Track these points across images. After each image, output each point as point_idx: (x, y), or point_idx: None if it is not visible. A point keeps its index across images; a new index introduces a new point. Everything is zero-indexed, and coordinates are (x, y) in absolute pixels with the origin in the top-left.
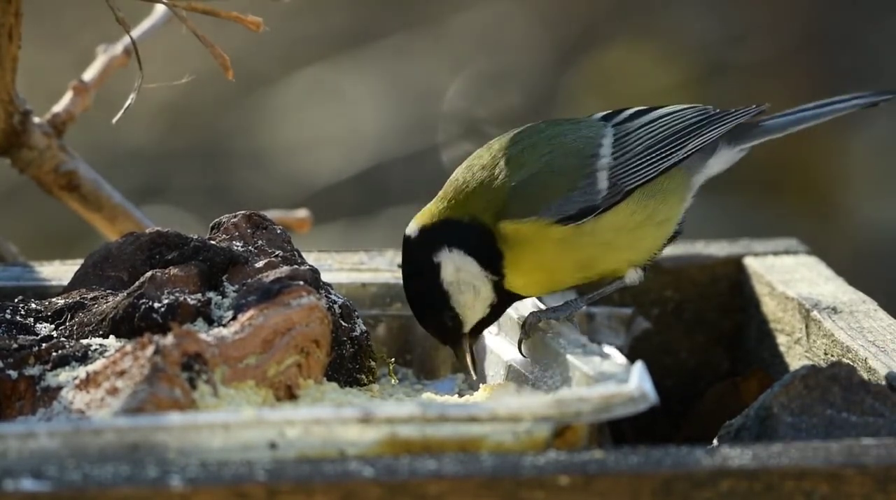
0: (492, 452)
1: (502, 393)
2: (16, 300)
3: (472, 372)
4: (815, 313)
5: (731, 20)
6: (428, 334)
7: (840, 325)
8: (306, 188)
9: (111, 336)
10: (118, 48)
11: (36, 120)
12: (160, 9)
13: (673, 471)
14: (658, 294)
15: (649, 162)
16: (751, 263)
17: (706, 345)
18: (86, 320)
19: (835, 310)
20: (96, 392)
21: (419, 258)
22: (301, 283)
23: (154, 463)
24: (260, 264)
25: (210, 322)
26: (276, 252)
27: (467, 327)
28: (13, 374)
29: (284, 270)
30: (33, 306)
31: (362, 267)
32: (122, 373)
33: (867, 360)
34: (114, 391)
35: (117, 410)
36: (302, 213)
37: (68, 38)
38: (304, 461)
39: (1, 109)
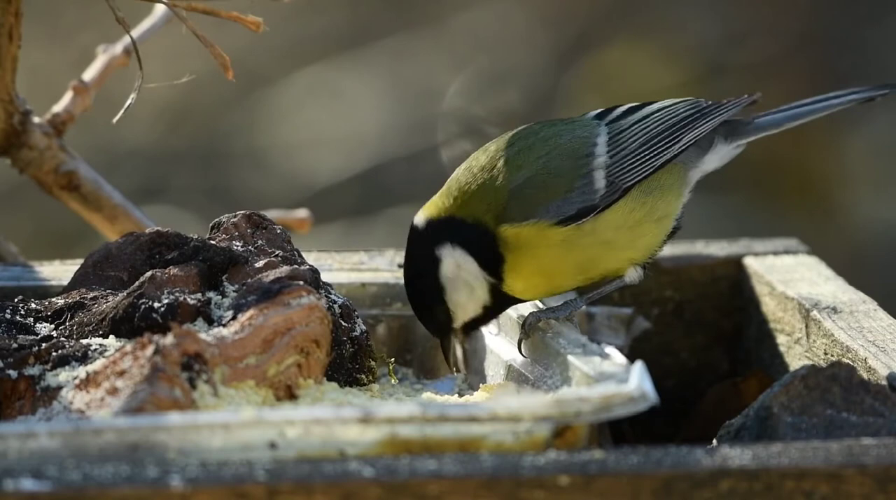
0: (492, 452)
1: (502, 393)
2: (16, 300)
3: (455, 367)
4: (815, 313)
5: (731, 20)
6: (428, 334)
7: (840, 325)
8: (306, 188)
9: (111, 336)
10: (118, 48)
11: (36, 120)
12: (160, 9)
13: (673, 471)
14: (658, 294)
15: (645, 158)
16: (751, 263)
17: (706, 345)
18: (86, 320)
19: (835, 310)
20: (96, 392)
21: (422, 249)
22: (301, 283)
23: (154, 463)
24: (260, 264)
25: (210, 322)
26: (276, 252)
27: (457, 323)
28: (13, 374)
29: (284, 270)
30: (33, 306)
31: (362, 267)
32: (122, 373)
33: (867, 360)
34: (114, 391)
35: (117, 410)
36: (302, 213)
37: (68, 38)
38: (304, 461)
39: (1, 109)
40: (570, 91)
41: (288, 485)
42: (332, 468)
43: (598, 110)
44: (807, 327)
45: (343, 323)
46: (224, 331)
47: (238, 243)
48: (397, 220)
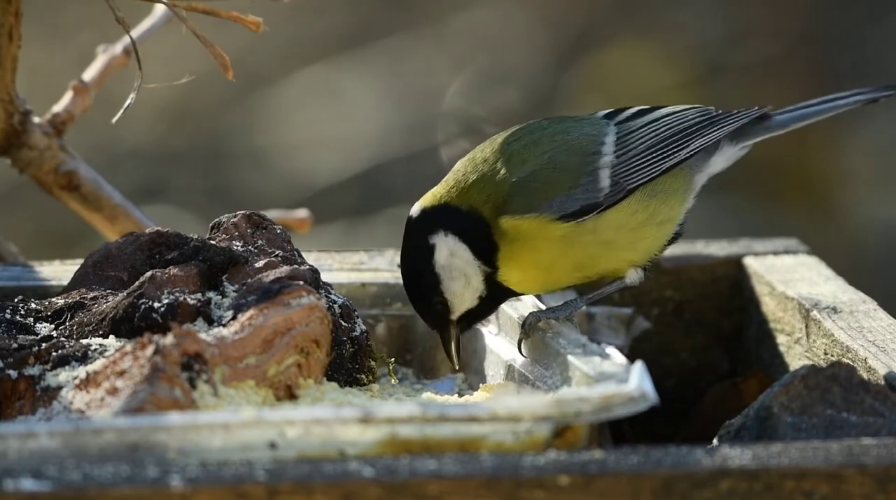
0: (492, 452)
1: (502, 393)
2: (16, 300)
3: (455, 361)
4: (814, 313)
5: (731, 20)
6: (428, 334)
7: (840, 325)
8: (306, 188)
9: (111, 336)
10: (118, 48)
11: (36, 120)
12: (160, 9)
13: (673, 471)
14: (658, 294)
15: (651, 161)
16: (751, 263)
17: (706, 345)
18: (86, 319)
19: (835, 310)
20: (96, 392)
21: (416, 238)
22: (301, 283)
23: (154, 463)
24: (260, 264)
25: (210, 322)
26: (276, 252)
27: (455, 315)
28: (13, 374)
29: (284, 270)
30: (33, 306)
31: (362, 267)
32: (122, 373)
33: (867, 360)
34: (114, 391)
35: (117, 410)
36: (302, 213)
37: (68, 38)
38: (304, 461)
39: (1, 109)
40: (570, 91)
41: (288, 485)
42: (332, 468)
43: (608, 110)
44: (807, 327)
45: (343, 323)
46: (224, 331)
47: (238, 243)
48: (397, 220)
